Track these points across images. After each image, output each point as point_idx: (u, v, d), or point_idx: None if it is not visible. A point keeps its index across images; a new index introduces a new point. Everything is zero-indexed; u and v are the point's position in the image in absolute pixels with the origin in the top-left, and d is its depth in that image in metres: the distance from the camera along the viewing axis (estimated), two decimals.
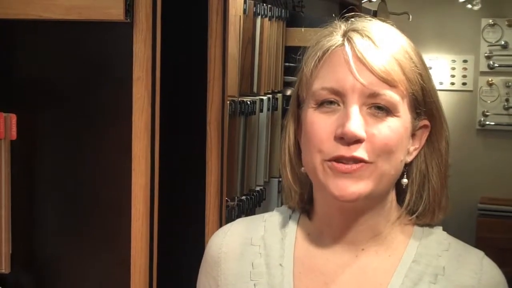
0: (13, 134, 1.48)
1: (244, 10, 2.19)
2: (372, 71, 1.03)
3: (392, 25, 1.12)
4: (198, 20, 1.68)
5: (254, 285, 1.13)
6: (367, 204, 1.09)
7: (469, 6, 5.18)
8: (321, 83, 1.07)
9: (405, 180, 1.12)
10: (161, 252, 1.49)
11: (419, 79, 1.07)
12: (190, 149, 1.70)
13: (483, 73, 5.62)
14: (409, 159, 1.11)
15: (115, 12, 1.43)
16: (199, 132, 1.67)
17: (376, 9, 4.27)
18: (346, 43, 1.07)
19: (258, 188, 2.34)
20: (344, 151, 1.03)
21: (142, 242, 1.42)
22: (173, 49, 1.63)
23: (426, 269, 1.09)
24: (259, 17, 2.32)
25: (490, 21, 5.58)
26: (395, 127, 1.05)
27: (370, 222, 1.11)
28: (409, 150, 1.10)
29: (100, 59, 1.50)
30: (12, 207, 1.49)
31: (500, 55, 5.57)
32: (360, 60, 1.04)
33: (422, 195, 1.13)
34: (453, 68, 5.68)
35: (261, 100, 2.34)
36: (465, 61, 5.66)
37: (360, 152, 1.03)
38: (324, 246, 1.13)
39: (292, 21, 2.68)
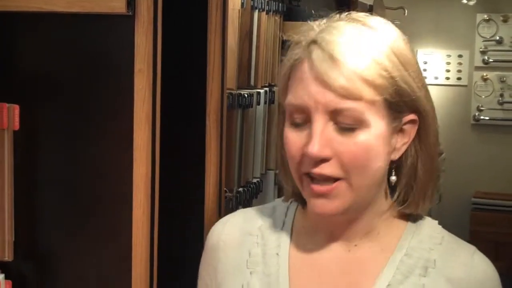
0: (16, 125, 1.50)
1: (242, 4, 2.21)
2: (330, 90, 1.01)
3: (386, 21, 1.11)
4: (198, 14, 1.70)
5: (250, 273, 1.15)
6: (356, 208, 1.10)
7: (465, 1, 5.20)
8: (290, 99, 1.06)
9: (393, 178, 1.12)
10: (162, 240, 1.51)
11: (391, 83, 1.03)
12: (190, 139, 1.72)
13: (478, 68, 5.64)
14: (397, 155, 1.09)
15: (117, 5, 1.44)
16: (199, 123, 1.69)
17: (372, 3, 4.28)
18: (306, 59, 1.05)
19: (255, 180, 2.35)
20: (312, 168, 1.04)
21: (143, 231, 1.44)
22: (174, 42, 1.64)
23: (417, 262, 1.10)
24: (256, 10, 2.34)
25: (485, 16, 5.60)
26: (364, 141, 1.03)
27: (362, 220, 1.12)
28: (396, 147, 1.09)
29: (101, 51, 1.51)
30: (14, 196, 1.50)
31: (495, 50, 5.59)
32: (319, 79, 1.02)
33: (413, 187, 1.13)
34: (448, 63, 5.70)
35: (258, 93, 2.35)
36: (460, 56, 5.68)
37: (327, 169, 1.03)
38: (318, 240, 1.15)
39: (289, 14, 2.69)
